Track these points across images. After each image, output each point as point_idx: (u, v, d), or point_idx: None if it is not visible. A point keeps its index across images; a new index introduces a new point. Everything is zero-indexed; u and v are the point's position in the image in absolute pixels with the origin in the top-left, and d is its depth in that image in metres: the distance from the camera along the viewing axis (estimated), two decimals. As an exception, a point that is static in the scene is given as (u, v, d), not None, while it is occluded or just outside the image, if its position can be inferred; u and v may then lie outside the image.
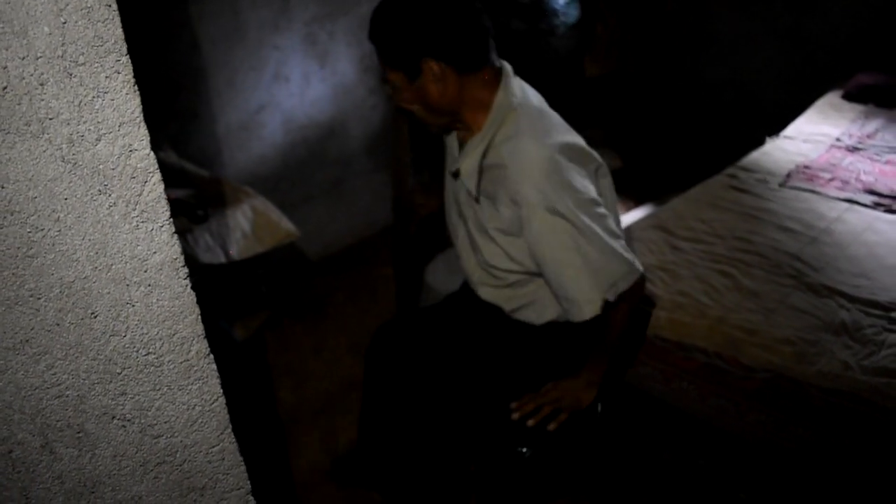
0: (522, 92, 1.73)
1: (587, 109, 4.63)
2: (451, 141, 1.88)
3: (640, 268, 1.71)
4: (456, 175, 1.80)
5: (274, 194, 3.35)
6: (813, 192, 2.96)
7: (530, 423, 1.81)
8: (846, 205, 2.86)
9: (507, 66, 1.75)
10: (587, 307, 1.66)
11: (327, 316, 3.54)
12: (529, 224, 1.63)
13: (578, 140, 1.73)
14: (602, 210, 1.67)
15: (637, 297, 1.77)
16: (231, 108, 3.32)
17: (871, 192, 2.94)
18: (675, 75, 5.02)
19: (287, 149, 3.68)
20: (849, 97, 3.95)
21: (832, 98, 3.98)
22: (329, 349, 3.28)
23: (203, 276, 2.37)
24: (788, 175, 3.11)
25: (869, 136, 3.50)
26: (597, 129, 4.79)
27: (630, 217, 3.07)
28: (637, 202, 4.16)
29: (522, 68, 1.87)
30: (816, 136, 3.54)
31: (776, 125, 3.76)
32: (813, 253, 2.51)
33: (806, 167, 3.18)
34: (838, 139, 3.48)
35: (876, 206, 2.84)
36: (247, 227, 2.49)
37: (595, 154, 1.74)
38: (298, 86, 3.59)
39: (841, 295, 2.26)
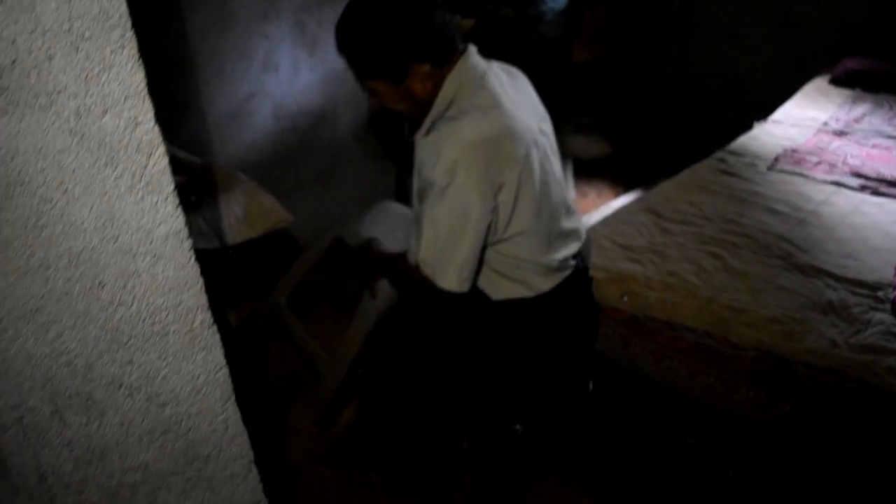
0: (479, 72, 1.69)
1: (576, 96, 4.66)
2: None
3: (439, 282, 1.70)
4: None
5: (265, 182, 3.35)
6: (800, 175, 3.00)
7: None
8: (833, 188, 2.90)
9: (471, 48, 1.74)
10: (409, 254, 1.75)
11: (322, 302, 3.55)
12: (421, 189, 1.67)
13: (513, 140, 1.65)
14: (456, 226, 1.65)
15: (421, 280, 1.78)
16: (221, 97, 3.32)
17: (858, 176, 2.98)
18: (664, 61, 5.05)
19: (277, 137, 3.68)
20: (836, 82, 3.99)
21: (820, 83, 4.02)
22: (324, 335, 3.29)
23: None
24: (776, 159, 3.14)
25: (856, 121, 3.54)
26: (585, 116, 4.82)
27: (619, 202, 3.09)
28: (626, 188, 4.20)
29: (511, 55, 1.87)
30: (804, 120, 3.57)
31: (764, 110, 3.79)
32: (801, 235, 2.54)
33: (794, 151, 3.22)
34: (826, 123, 3.52)
35: (862, 188, 2.88)
36: (239, 212, 2.50)
37: (526, 159, 1.68)
38: (288, 74, 3.59)
39: (828, 275, 2.30)
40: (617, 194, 4.23)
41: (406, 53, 1.61)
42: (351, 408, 2.63)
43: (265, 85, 3.50)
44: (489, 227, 1.65)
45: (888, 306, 2.13)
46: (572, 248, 1.81)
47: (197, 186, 2.56)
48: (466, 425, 2.14)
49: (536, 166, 1.67)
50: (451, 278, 1.67)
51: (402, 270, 1.83)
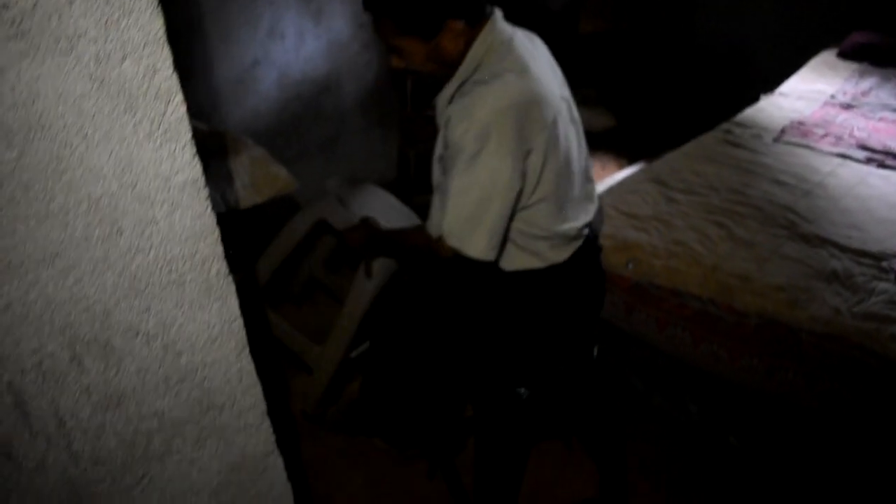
0: (506, 36, 1.68)
1: (581, 68, 4.64)
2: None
3: (466, 251, 1.69)
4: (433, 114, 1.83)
5: (269, 151, 3.35)
6: (807, 147, 3.00)
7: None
8: (839, 160, 2.90)
9: (497, 12, 1.73)
10: (427, 222, 1.73)
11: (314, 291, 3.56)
12: (447, 157, 1.64)
13: (543, 105, 1.64)
14: (487, 190, 1.63)
15: (438, 253, 1.77)
16: (226, 64, 3.31)
17: (864, 148, 2.98)
18: (670, 33, 5.02)
19: (282, 105, 3.68)
20: (844, 55, 3.98)
21: (827, 56, 4.01)
22: (330, 305, 3.30)
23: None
24: (783, 131, 3.14)
25: (863, 94, 3.53)
26: (590, 89, 4.81)
27: (623, 175, 3.09)
28: (630, 161, 4.19)
29: (517, 26, 1.86)
30: (811, 93, 3.57)
31: (771, 83, 3.78)
32: (806, 205, 2.55)
33: (800, 123, 3.22)
34: (832, 96, 3.52)
35: (868, 161, 2.88)
36: (245, 177, 2.50)
37: (554, 125, 1.67)
38: (293, 42, 3.58)
39: (833, 245, 2.31)
40: (621, 167, 4.23)
41: (444, 7, 1.60)
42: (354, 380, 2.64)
43: (270, 53, 3.48)
44: (519, 193, 1.65)
45: (892, 276, 2.14)
46: (589, 215, 1.82)
47: (203, 151, 2.55)
48: (471, 389, 2.16)
49: (561, 132, 1.68)
50: (480, 245, 1.66)
51: (414, 244, 1.84)
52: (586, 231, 1.83)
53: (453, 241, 1.67)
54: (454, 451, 2.41)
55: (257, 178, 2.55)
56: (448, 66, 1.68)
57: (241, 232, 2.81)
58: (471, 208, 1.63)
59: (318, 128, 3.89)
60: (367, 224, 2.08)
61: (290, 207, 3.60)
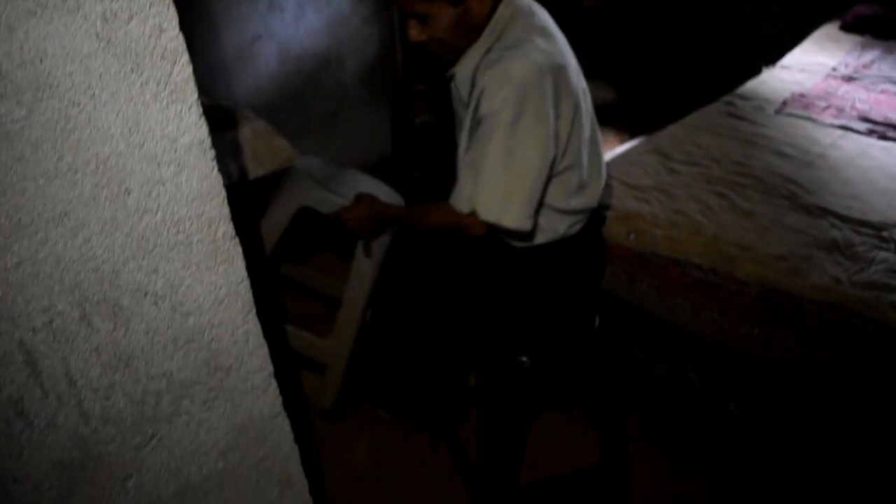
0: (524, 1, 1.70)
1: (583, 41, 4.62)
2: None
3: (504, 223, 1.67)
4: (450, 79, 1.79)
5: (271, 125, 3.36)
6: (808, 119, 3.00)
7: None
8: (841, 132, 2.90)
9: None
10: (459, 200, 1.69)
11: (327, 245, 3.57)
12: (480, 121, 1.61)
13: (570, 71, 1.67)
14: (529, 155, 1.62)
15: (465, 231, 1.75)
16: (226, 38, 3.30)
17: (866, 120, 2.98)
18: (672, 6, 4.99)
19: (282, 80, 3.67)
20: (846, 28, 3.97)
21: (829, 29, 4.00)
22: (330, 276, 3.32)
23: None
24: (784, 103, 3.14)
25: (865, 67, 3.52)
26: (592, 62, 4.78)
27: (624, 149, 3.09)
28: (631, 134, 4.19)
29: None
30: (813, 65, 3.56)
31: (773, 56, 3.77)
32: (807, 176, 2.55)
33: (802, 95, 3.22)
34: (834, 69, 3.51)
35: (870, 133, 2.89)
36: (247, 150, 2.51)
37: (578, 93, 1.69)
38: (293, 16, 3.57)
39: (834, 215, 2.32)
40: (622, 141, 4.22)
41: None
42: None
43: (270, 27, 3.47)
44: (553, 158, 1.65)
45: (892, 245, 2.15)
46: (600, 188, 1.83)
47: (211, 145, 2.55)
48: (474, 358, 2.17)
49: (582, 101, 1.69)
50: (520, 215, 1.64)
51: (435, 223, 1.79)
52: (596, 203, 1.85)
53: (488, 215, 1.65)
54: (457, 421, 2.43)
55: (259, 150, 2.55)
56: (471, 34, 1.65)
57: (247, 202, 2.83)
58: (511, 177, 1.61)
59: (318, 103, 3.89)
60: (370, 200, 2.01)
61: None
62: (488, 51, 1.65)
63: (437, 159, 3.04)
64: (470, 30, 1.64)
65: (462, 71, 1.71)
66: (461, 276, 2.04)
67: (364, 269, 2.25)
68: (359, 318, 2.30)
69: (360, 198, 2.02)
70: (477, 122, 1.62)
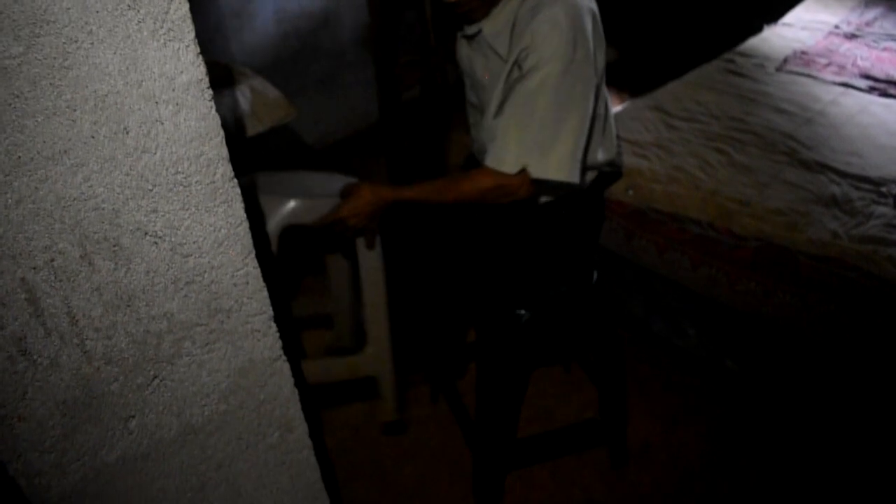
0: None
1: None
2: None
3: (555, 176, 1.63)
4: (472, 37, 1.75)
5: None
6: (809, 76, 2.99)
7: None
8: (841, 89, 2.89)
9: None
10: (497, 157, 1.62)
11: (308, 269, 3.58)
12: (525, 68, 1.57)
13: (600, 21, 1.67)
14: (580, 103, 1.60)
15: (510, 195, 1.68)
16: (223, -4, 3.28)
17: (867, 77, 2.97)
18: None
19: (279, 40, 3.65)
20: (848, -15, 3.93)
21: (832, -14, 3.97)
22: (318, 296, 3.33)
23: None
24: (785, 60, 3.13)
25: (867, 24, 3.50)
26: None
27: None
28: (632, 94, 4.17)
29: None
30: (815, 23, 3.54)
31: (775, 14, 3.74)
32: (807, 133, 2.55)
33: (803, 53, 3.20)
34: (837, 26, 3.49)
35: (871, 90, 2.87)
36: (246, 106, 2.50)
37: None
38: (290, -27, 3.54)
39: (833, 171, 2.32)
40: (623, 101, 4.20)
41: None
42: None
43: (267, -16, 3.45)
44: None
45: (891, 200, 2.16)
46: (615, 139, 1.83)
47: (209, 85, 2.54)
48: (473, 313, 2.19)
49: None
50: (573, 167, 1.60)
51: (462, 195, 1.68)
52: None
53: (542, 171, 1.59)
54: (457, 375, 2.46)
55: (258, 107, 2.54)
56: None
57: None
58: (564, 128, 1.58)
59: (316, 63, 3.87)
60: (369, 189, 1.81)
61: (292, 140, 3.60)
62: (524, 0, 1.61)
63: (425, 132, 2.99)
64: None
65: (493, 26, 1.67)
66: (460, 231, 2.04)
67: (373, 264, 2.07)
68: (387, 314, 2.13)
69: (354, 189, 1.83)
70: (520, 76, 1.58)
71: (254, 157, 2.81)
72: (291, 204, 1.91)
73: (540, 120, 1.56)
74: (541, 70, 1.54)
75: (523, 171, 1.61)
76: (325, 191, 1.96)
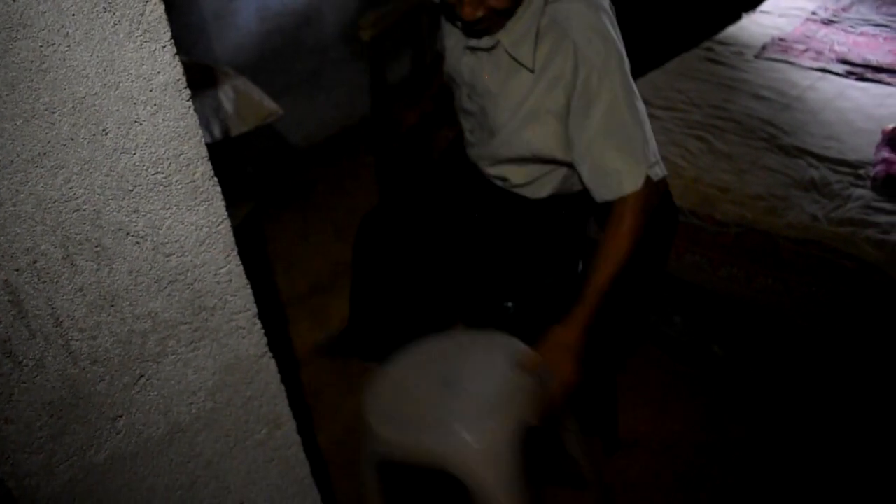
0: None
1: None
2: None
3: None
4: (488, 49, 1.73)
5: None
6: (787, 62, 3.02)
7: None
8: (819, 74, 2.92)
9: None
10: (628, 180, 1.60)
11: (312, 204, 3.59)
12: (587, 85, 1.58)
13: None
14: (636, 90, 1.67)
15: (654, 202, 1.66)
16: (204, -4, 3.28)
17: (844, 62, 3.00)
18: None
19: (263, 38, 3.64)
20: (825, -29, 3.95)
21: (809, -27, 3.99)
22: (315, 235, 3.34)
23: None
24: (764, 47, 3.15)
25: (844, 10, 3.53)
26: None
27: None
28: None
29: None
30: (792, 10, 3.56)
31: (753, 1, 3.77)
32: (785, 118, 2.57)
33: (781, 40, 3.22)
34: (814, 13, 3.51)
35: (848, 74, 2.90)
36: (229, 107, 2.51)
37: None
38: (271, -28, 3.54)
39: (811, 155, 2.34)
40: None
41: None
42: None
43: (248, -17, 3.45)
44: None
45: (868, 183, 2.18)
46: None
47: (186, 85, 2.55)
48: (459, 304, 2.20)
49: None
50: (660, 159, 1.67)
51: (625, 250, 1.61)
52: None
53: (661, 170, 1.64)
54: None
55: (242, 107, 2.56)
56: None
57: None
58: (644, 122, 1.64)
59: (300, 61, 3.87)
60: (564, 349, 1.60)
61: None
62: (546, 2, 1.62)
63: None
64: None
65: (511, 37, 1.66)
66: (446, 224, 2.05)
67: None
68: None
69: (536, 358, 1.60)
70: (581, 86, 1.58)
71: (239, 157, 2.82)
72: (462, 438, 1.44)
73: (632, 125, 1.61)
74: (598, 80, 1.57)
75: (648, 179, 1.62)
76: (488, 382, 1.59)
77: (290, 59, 3.81)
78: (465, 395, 1.54)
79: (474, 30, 1.67)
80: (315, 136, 4.06)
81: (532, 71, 1.67)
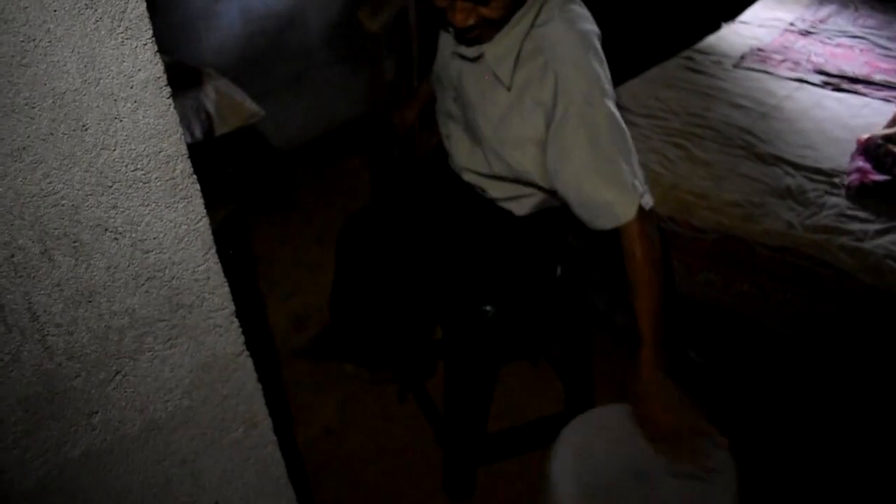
0: None
1: None
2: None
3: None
4: (472, 59, 1.72)
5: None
6: (765, 72, 3.06)
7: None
8: (796, 84, 2.96)
9: None
10: (621, 209, 1.55)
11: (293, 207, 3.59)
12: (565, 117, 1.56)
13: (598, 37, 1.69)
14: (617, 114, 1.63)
15: (654, 227, 1.62)
16: (186, -3, 3.27)
17: (821, 73, 3.04)
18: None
19: (246, 41, 3.64)
20: (803, -17, 4.01)
21: (787, -16, 4.04)
22: (297, 237, 3.34)
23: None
24: (742, 57, 3.20)
25: (821, 21, 3.58)
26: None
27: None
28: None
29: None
30: (771, 20, 3.62)
31: (733, 12, 3.81)
32: (763, 127, 2.61)
33: (760, 50, 3.27)
34: (792, 24, 3.57)
35: (825, 85, 2.95)
36: (211, 107, 2.51)
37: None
38: (255, -26, 3.54)
39: (787, 163, 2.38)
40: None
41: None
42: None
43: (231, -16, 3.45)
44: None
45: (842, 191, 2.21)
46: None
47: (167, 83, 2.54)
48: (439, 309, 2.21)
49: None
50: (649, 193, 1.62)
51: (659, 284, 1.60)
52: None
53: (648, 199, 1.59)
54: (425, 374, 2.48)
55: (223, 108, 2.55)
56: (517, 8, 1.60)
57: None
58: (631, 147, 1.61)
59: (283, 64, 3.87)
60: (656, 380, 1.58)
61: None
62: (532, 26, 1.61)
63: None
64: (517, 4, 1.59)
65: (496, 51, 1.65)
66: (426, 228, 2.06)
67: None
68: None
69: (647, 398, 1.60)
70: (560, 119, 1.56)
71: (220, 159, 2.82)
72: None
73: (617, 163, 1.56)
74: (587, 117, 1.55)
75: (641, 208, 1.57)
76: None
77: (274, 62, 3.81)
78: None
79: (465, 37, 1.66)
80: (298, 139, 4.06)
81: (508, 89, 1.66)
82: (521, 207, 1.91)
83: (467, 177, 1.96)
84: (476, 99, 1.76)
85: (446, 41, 1.86)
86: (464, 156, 1.91)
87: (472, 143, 1.86)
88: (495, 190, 1.91)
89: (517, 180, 1.81)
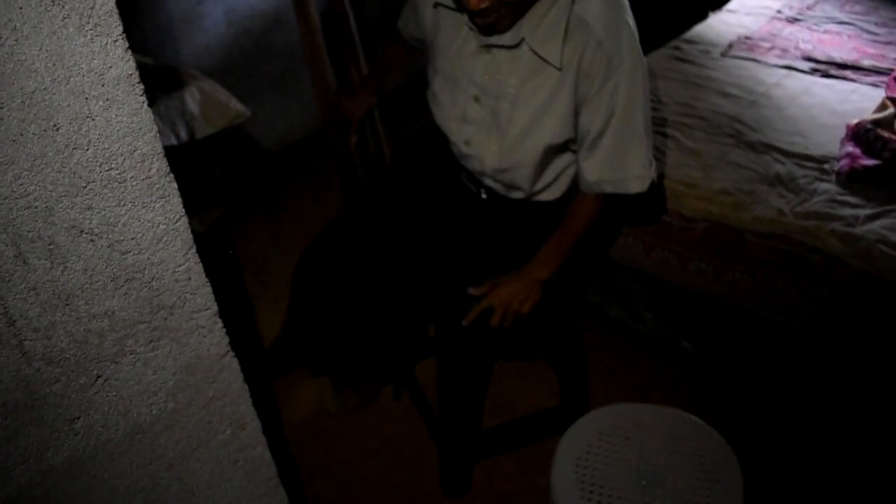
0: None
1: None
2: (451, 19, 1.77)
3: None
4: (510, 47, 1.67)
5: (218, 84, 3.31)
6: (753, 60, 3.04)
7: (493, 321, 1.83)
8: (785, 71, 2.94)
9: None
10: (635, 182, 1.73)
11: (283, 208, 3.57)
12: (614, 89, 1.61)
13: None
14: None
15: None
16: None
17: (809, 59, 3.03)
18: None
19: (231, 41, 3.61)
20: (790, -30, 3.99)
21: (774, -28, 4.02)
22: (286, 238, 3.32)
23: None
24: (730, 45, 3.18)
25: (809, 8, 3.57)
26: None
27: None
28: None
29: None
30: (758, 8, 3.60)
31: (719, 1, 3.80)
32: (752, 115, 2.59)
33: (747, 38, 3.25)
34: (779, 11, 3.55)
35: (813, 71, 2.93)
36: (195, 108, 2.48)
37: None
38: (239, -26, 3.51)
39: (777, 150, 2.36)
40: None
41: None
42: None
43: (215, -16, 3.42)
44: None
45: (833, 177, 2.20)
46: None
47: (151, 85, 2.52)
48: (432, 306, 2.19)
49: None
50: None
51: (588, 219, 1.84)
52: None
53: (653, 172, 1.74)
54: (408, 371, 2.45)
55: (208, 108, 2.53)
56: None
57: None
58: (649, 118, 1.71)
59: (269, 64, 3.84)
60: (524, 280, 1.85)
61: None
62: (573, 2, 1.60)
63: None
64: None
65: (536, 35, 1.62)
66: (418, 223, 2.05)
67: None
68: None
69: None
70: (610, 93, 1.62)
71: (207, 160, 2.80)
72: None
73: (644, 139, 1.71)
74: (632, 91, 1.63)
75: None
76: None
77: (260, 62, 3.78)
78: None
79: (485, 26, 1.62)
80: (285, 140, 4.03)
81: (559, 69, 1.63)
82: (558, 188, 1.89)
83: (490, 182, 1.92)
84: (516, 89, 1.71)
85: (451, 38, 1.79)
86: (494, 158, 1.83)
87: (501, 138, 1.79)
88: (529, 181, 1.85)
89: (551, 150, 1.78)
